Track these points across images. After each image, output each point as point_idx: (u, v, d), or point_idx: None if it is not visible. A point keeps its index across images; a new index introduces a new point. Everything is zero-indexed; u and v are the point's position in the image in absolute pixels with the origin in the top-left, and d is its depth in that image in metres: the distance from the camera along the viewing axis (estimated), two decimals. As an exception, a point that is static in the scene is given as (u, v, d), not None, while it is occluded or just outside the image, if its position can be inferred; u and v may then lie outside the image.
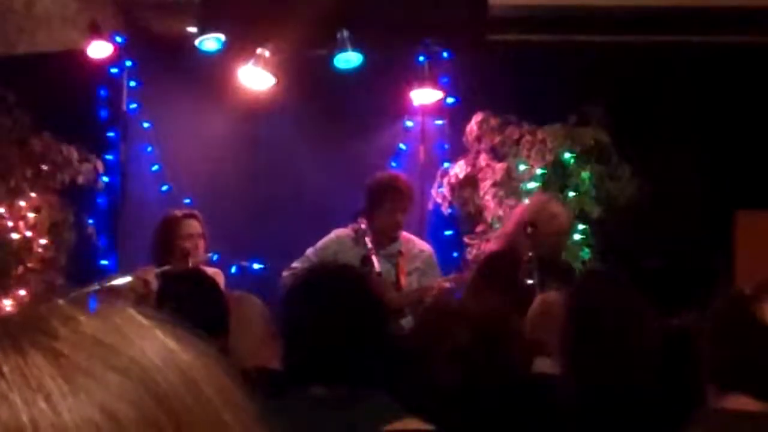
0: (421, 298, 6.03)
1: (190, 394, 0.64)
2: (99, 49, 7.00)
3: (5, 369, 0.61)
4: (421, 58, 7.16)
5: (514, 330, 2.84)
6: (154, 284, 5.49)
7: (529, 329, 4.12)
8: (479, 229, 6.87)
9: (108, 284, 5.79)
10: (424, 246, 6.38)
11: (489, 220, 6.81)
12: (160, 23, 7.32)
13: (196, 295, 3.84)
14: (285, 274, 6.29)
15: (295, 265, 6.33)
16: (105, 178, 7.08)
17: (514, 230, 5.78)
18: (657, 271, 6.13)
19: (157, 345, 0.65)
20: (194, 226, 5.97)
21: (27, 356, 0.62)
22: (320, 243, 6.30)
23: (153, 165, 7.31)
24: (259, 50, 6.98)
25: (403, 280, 6.04)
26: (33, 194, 6.76)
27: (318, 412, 2.55)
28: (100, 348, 0.63)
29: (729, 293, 2.74)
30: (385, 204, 6.18)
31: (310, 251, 6.29)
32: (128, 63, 7.36)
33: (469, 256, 6.90)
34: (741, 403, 2.50)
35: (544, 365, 3.70)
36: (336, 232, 6.33)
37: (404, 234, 6.30)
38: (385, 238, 6.21)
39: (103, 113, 7.33)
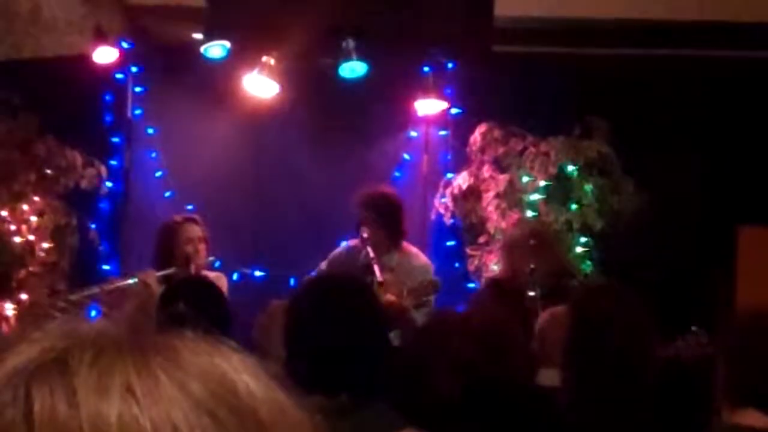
0: (402, 311, 5.83)
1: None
2: (104, 55, 7.01)
3: (138, 392, 0.63)
4: (426, 69, 7.16)
5: (516, 342, 2.84)
6: (155, 287, 5.51)
7: (538, 342, 4.13)
8: (481, 240, 6.87)
9: (109, 287, 5.79)
10: (422, 260, 6.15)
11: (491, 231, 6.81)
12: (166, 29, 7.33)
13: (198, 299, 3.85)
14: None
15: None
16: (108, 183, 7.08)
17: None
18: (657, 285, 6.12)
19: (262, 384, 0.68)
20: (195, 230, 5.97)
21: (159, 383, 0.64)
22: (331, 255, 6.25)
23: (156, 171, 7.31)
24: (264, 58, 6.99)
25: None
26: (36, 198, 6.76)
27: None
28: (222, 389, 0.66)
29: (747, 310, 2.74)
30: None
31: (322, 264, 6.22)
32: (134, 69, 7.36)
33: (471, 267, 6.90)
34: (754, 418, 2.49)
35: (549, 377, 3.69)
36: (345, 244, 6.28)
37: (406, 246, 6.14)
38: (383, 248, 6.15)
39: (108, 118, 7.33)
